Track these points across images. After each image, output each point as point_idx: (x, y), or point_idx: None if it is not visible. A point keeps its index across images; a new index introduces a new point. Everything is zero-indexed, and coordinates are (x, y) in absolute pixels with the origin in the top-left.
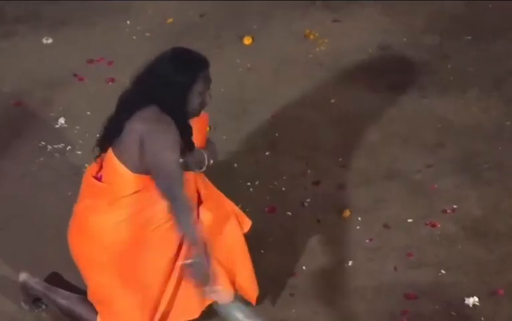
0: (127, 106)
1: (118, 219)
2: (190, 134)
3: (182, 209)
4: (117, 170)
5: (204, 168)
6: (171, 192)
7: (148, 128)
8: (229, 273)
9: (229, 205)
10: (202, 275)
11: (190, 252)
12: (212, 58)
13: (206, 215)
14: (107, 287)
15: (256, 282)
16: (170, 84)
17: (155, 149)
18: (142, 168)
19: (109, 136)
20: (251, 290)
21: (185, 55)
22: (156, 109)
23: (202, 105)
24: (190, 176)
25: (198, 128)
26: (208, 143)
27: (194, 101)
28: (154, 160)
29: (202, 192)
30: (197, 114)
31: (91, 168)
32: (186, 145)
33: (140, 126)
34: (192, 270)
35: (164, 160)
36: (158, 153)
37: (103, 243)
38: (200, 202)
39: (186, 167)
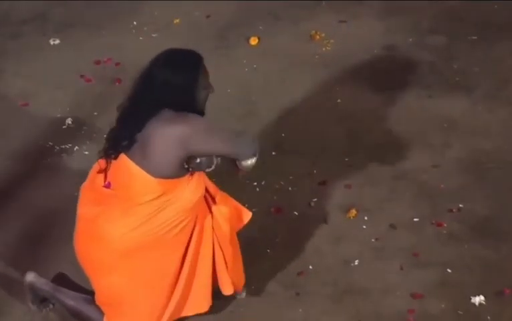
0: (137, 119)
1: (131, 227)
2: None
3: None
4: (137, 177)
5: (213, 167)
6: (245, 149)
7: (185, 129)
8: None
9: (230, 200)
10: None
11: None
12: (219, 59)
13: (223, 210)
14: (117, 290)
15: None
16: (174, 88)
17: (208, 142)
18: (169, 172)
19: (121, 147)
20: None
21: (179, 55)
22: (170, 112)
23: (207, 97)
24: (202, 176)
25: None
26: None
27: (201, 96)
28: (213, 150)
29: (212, 190)
30: (204, 106)
31: (98, 177)
32: None
33: (171, 130)
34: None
35: (220, 144)
36: (211, 143)
37: (115, 249)
38: (208, 200)
39: (198, 167)
